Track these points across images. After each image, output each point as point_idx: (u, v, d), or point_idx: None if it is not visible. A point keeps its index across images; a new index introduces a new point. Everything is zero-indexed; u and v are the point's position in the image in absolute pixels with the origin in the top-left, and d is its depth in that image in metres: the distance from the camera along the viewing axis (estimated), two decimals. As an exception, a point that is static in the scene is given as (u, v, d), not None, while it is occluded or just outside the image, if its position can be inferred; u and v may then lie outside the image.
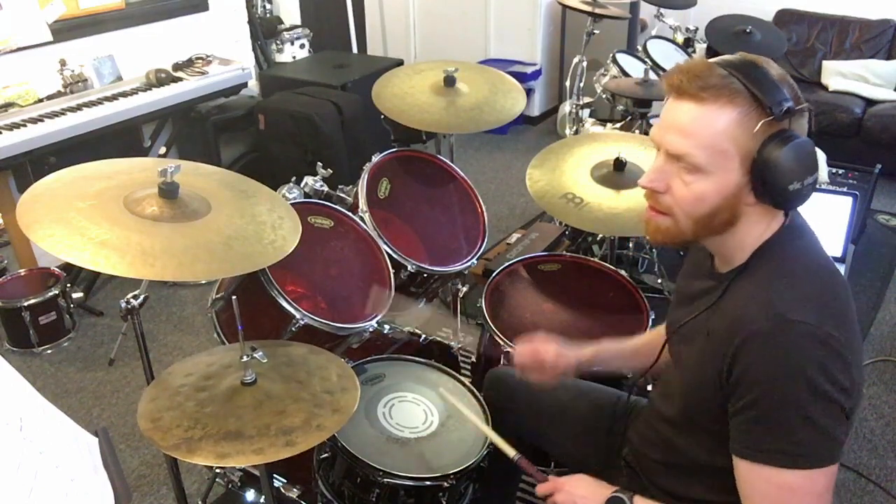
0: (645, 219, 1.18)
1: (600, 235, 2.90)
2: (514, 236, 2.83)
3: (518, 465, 1.39)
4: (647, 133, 2.88)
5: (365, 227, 1.94)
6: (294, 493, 1.72)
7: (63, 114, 2.95)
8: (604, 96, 3.24)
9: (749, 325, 1.04)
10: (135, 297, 1.55)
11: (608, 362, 1.54)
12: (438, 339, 2.17)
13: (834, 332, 1.02)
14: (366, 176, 2.02)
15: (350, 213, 1.96)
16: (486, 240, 2.20)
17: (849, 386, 1.04)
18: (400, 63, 4.15)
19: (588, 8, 3.29)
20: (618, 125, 3.14)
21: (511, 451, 1.41)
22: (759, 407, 1.04)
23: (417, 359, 1.82)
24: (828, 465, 1.04)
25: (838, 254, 2.32)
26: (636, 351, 1.53)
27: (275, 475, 1.74)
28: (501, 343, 1.80)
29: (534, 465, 1.38)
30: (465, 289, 2.37)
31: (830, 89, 4.41)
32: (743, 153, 1.05)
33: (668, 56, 3.45)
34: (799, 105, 1.04)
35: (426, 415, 1.65)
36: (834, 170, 3.33)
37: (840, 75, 4.44)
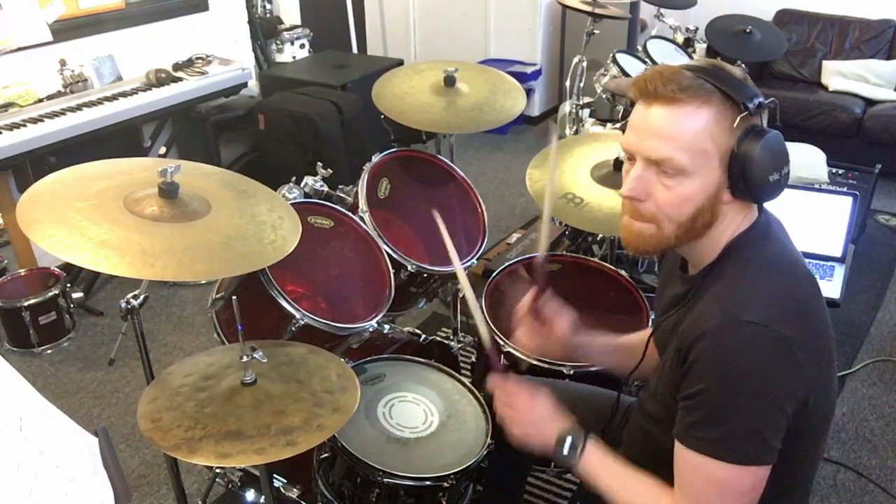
0: (623, 225, 1.18)
1: (600, 235, 2.90)
2: (514, 236, 2.83)
3: (487, 354, 1.42)
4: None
5: (365, 227, 1.94)
6: (294, 493, 1.72)
7: (63, 114, 2.95)
8: (604, 96, 3.24)
9: (705, 323, 1.07)
10: (135, 297, 1.55)
11: (593, 353, 1.52)
12: (438, 339, 2.17)
13: (787, 332, 1.04)
14: (366, 176, 2.02)
15: (350, 213, 1.95)
16: (486, 240, 2.20)
17: (798, 388, 1.05)
18: (400, 63, 4.15)
19: (588, 8, 3.29)
20: (618, 125, 3.14)
21: (488, 342, 1.43)
22: (699, 397, 1.07)
23: (417, 359, 1.82)
24: (755, 464, 1.06)
25: (838, 254, 2.31)
26: (621, 347, 1.52)
27: (275, 475, 1.74)
28: (501, 343, 1.80)
29: (500, 359, 1.40)
30: (465, 289, 2.37)
31: (830, 89, 4.40)
32: (722, 151, 1.07)
33: (668, 56, 3.44)
34: (766, 100, 1.08)
35: (426, 415, 1.65)
36: (834, 170, 3.33)
37: (840, 75, 4.43)
